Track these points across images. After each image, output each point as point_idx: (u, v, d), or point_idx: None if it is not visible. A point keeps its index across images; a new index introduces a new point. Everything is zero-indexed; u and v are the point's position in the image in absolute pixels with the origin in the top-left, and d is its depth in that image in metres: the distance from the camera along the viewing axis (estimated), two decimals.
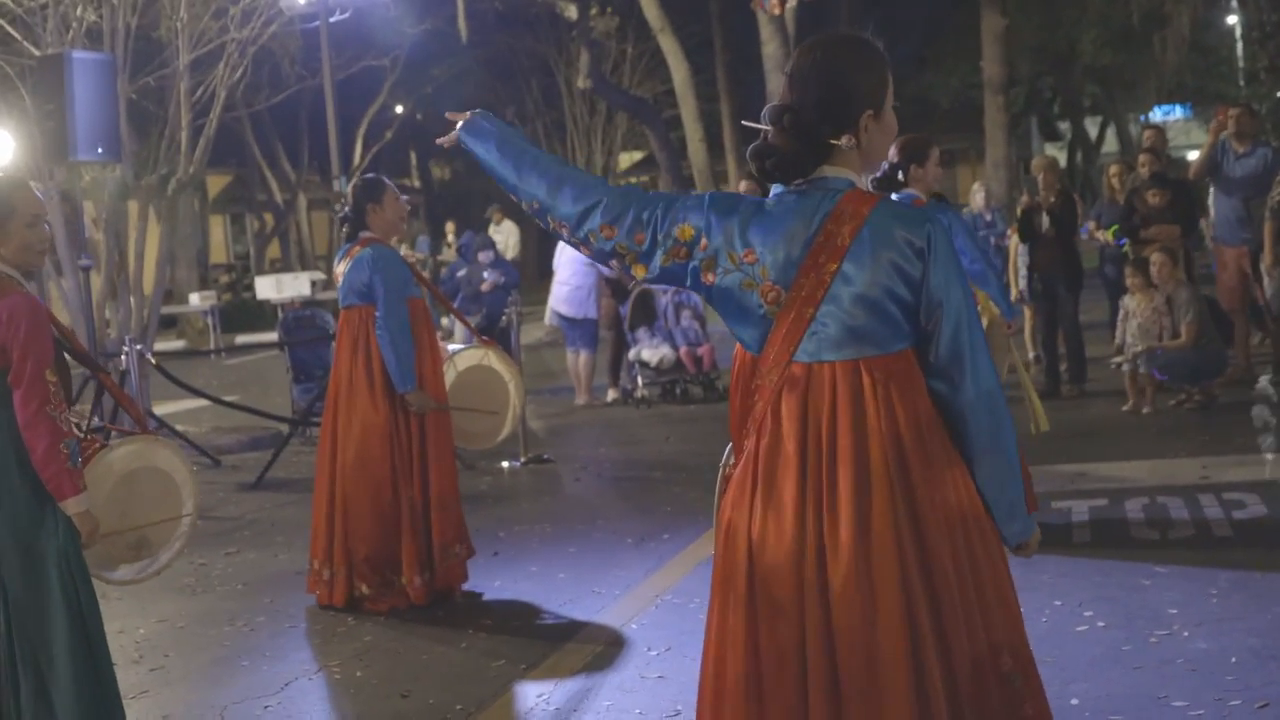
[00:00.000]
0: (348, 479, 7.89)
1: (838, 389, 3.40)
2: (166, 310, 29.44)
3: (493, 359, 8.64)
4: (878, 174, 8.15)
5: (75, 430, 5.43)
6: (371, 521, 7.84)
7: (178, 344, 29.16)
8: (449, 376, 8.28)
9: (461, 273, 17.38)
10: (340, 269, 8.09)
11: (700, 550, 8.49)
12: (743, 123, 3.43)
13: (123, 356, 11.86)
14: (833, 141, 3.44)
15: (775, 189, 3.54)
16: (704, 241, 3.52)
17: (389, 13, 23.10)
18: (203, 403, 14.89)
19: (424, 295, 8.25)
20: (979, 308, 8.33)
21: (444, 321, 20.20)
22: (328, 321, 15.19)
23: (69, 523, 5.12)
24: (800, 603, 3.38)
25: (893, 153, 8.12)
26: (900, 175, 8.00)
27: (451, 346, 8.73)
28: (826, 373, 3.41)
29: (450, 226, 25.50)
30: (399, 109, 41.33)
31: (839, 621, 3.35)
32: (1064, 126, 46.08)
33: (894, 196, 8.04)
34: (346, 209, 8.10)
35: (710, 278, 3.52)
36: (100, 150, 12.71)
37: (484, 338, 8.97)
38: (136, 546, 5.64)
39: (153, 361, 12.34)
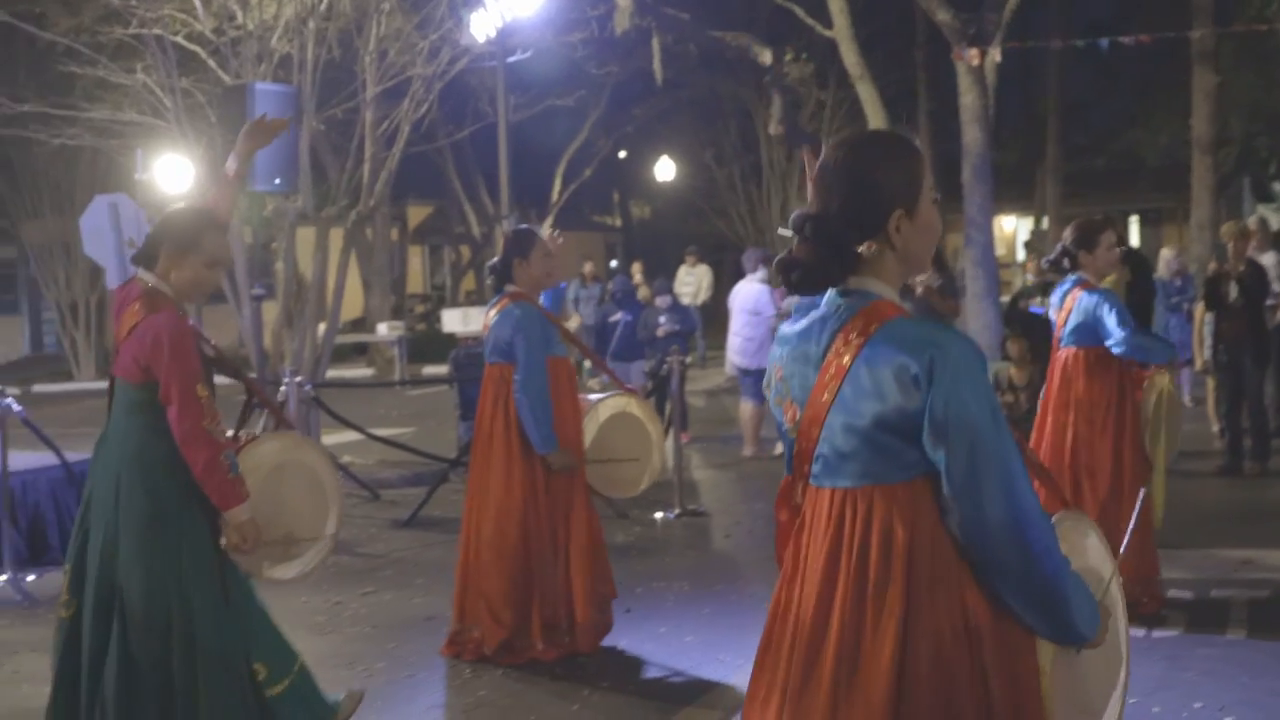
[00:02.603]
0: (483, 541, 7.78)
1: (844, 517, 3.18)
2: (357, 339, 30.03)
3: (634, 407, 8.47)
4: (1051, 256, 8.16)
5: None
6: (503, 584, 7.71)
7: (367, 372, 29.58)
8: (590, 428, 8.12)
9: (614, 317, 17.28)
10: (488, 320, 7.99)
11: None
12: (779, 231, 3.23)
13: (283, 388, 11.95)
14: (858, 249, 3.22)
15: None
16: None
17: (575, 54, 23.12)
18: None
19: (570, 353, 8.09)
20: (1149, 384, 8.05)
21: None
22: None
23: (195, 545, 5.19)
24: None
25: (1067, 234, 8.24)
26: (1067, 262, 8.04)
27: (592, 396, 8.58)
28: (835, 499, 3.21)
29: (637, 267, 25.37)
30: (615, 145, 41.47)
31: None
32: (1279, 188, 44.69)
33: (1068, 279, 8.07)
34: (495, 259, 8.00)
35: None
36: (278, 181, 12.82)
37: (627, 386, 8.79)
38: (285, 543, 5.65)
39: (311, 394, 12.39)
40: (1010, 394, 13.25)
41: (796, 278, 3.25)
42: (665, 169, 39.08)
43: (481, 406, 7.97)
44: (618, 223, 52.19)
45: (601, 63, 26.24)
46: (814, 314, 3.29)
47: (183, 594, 5.19)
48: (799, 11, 25.98)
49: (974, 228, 22.72)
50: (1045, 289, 14.44)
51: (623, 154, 45.02)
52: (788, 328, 3.36)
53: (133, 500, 5.18)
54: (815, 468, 3.24)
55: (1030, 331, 13.70)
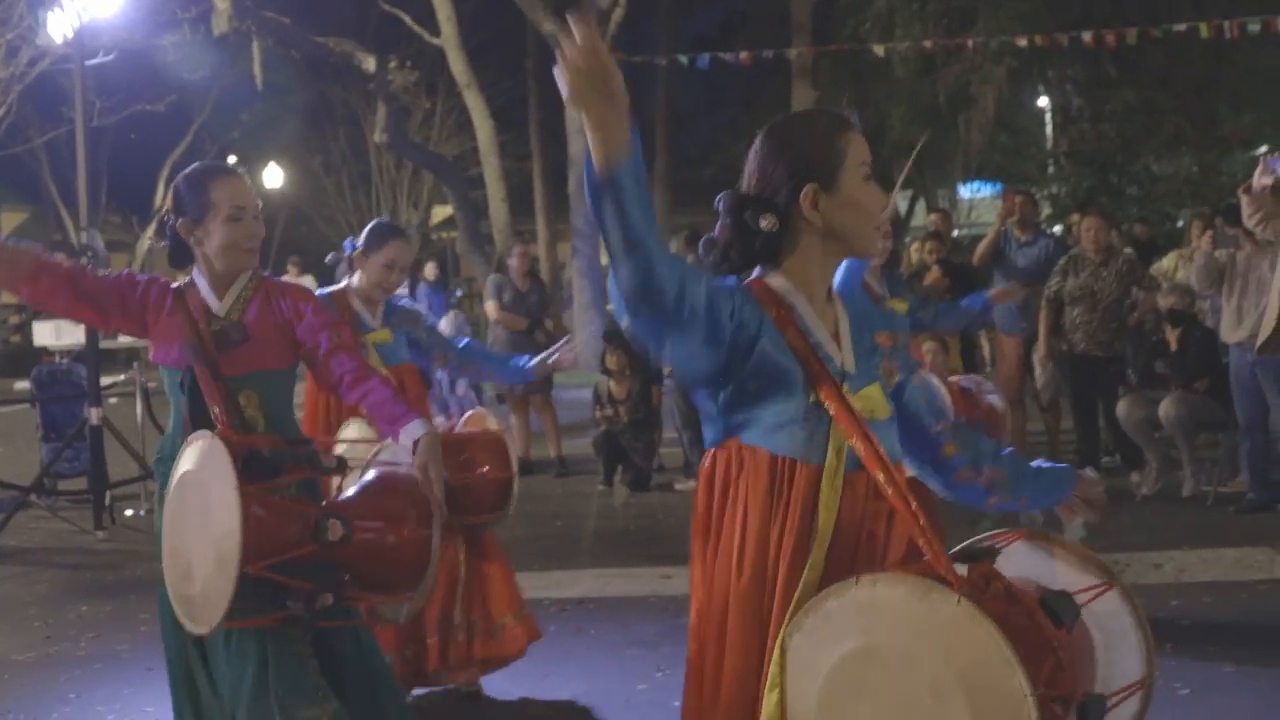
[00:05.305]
0: None
1: None
2: None
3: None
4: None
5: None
6: None
7: None
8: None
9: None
10: None
11: None
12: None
13: None
14: (762, 225, 3.13)
15: None
16: None
17: (169, 56, 22.36)
18: None
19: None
20: None
21: None
22: (85, 378, 14.39)
23: None
24: None
25: None
26: None
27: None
28: None
29: None
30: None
31: None
32: None
33: None
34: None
35: None
36: None
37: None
38: (186, 576, 4.24)
39: None
40: (610, 408, 13.24)
41: (713, 259, 3.21)
42: (273, 175, 38.26)
43: None
44: None
45: (197, 66, 25.44)
46: None
47: None
48: (406, 19, 25.76)
49: (580, 238, 22.87)
50: None
51: (231, 159, 44.01)
52: None
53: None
54: None
55: (630, 345, 13.73)
